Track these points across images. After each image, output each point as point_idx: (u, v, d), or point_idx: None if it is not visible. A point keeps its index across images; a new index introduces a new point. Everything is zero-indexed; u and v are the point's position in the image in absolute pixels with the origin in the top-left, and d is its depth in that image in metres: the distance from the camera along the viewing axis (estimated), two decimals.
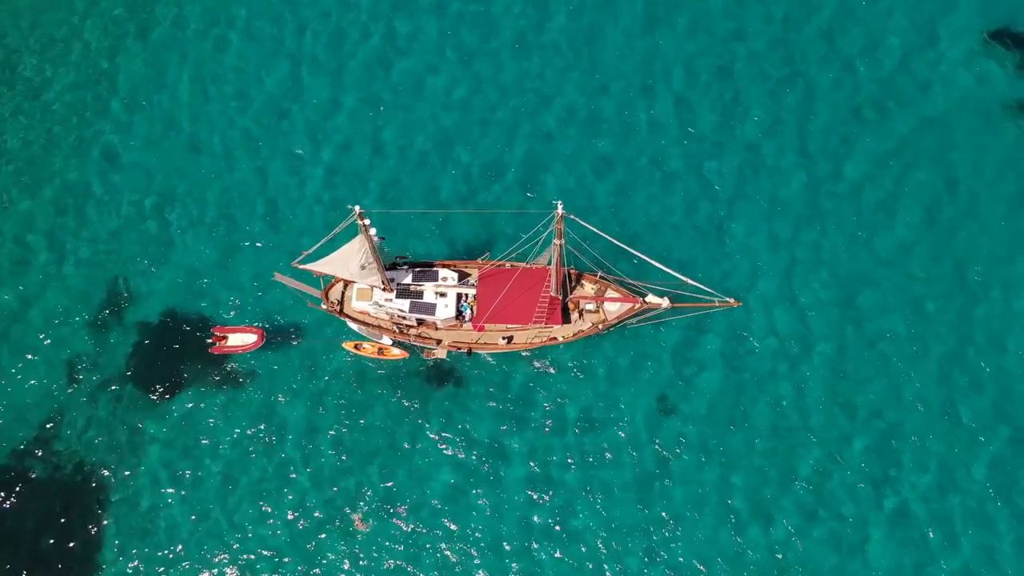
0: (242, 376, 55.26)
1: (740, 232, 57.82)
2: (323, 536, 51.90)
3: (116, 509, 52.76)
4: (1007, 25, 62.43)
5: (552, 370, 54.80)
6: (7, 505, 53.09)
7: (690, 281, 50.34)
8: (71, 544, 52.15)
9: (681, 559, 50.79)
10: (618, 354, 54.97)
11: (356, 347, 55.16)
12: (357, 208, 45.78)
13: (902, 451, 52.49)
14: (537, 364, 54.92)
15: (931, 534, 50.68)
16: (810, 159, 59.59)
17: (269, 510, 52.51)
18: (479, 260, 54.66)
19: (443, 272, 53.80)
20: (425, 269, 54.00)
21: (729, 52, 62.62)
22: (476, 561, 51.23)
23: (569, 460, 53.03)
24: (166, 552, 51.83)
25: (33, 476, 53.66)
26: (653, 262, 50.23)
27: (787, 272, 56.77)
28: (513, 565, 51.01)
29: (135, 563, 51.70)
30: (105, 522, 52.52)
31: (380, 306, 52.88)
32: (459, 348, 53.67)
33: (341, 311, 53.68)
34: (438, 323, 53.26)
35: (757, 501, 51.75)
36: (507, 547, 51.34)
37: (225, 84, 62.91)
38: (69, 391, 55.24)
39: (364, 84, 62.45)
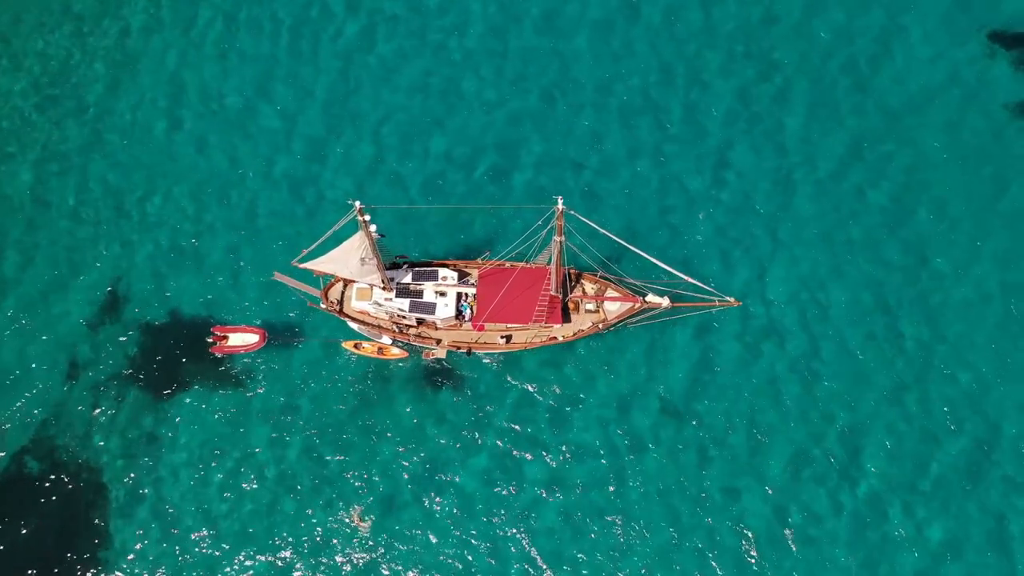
0: (242, 376, 55.25)
1: (740, 232, 57.84)
2: (323, 535, 51.73)
3: (116, 510, 52.61)
4: (1007, 24, 62.81)
5: (553, 370, 54.72)
6: (7, 506, 52.97)
7: (690, 280, 50.34)
8: (71, 544, 51.99)
9: (682, 559, 50.63)
10: (618, 354, 54.90)
11: (356, 346, 55.17)
12: (357, 203, 45.78)
13: (904, 450, 52.37)
14: (538, 364, 54.86)
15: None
16: (811, 159, 59.74)
17: (269, 510, 52.39)
18: (479, 259, 54.72)
19: (443, 271, 53.84)
20: (425, 268, 54.06)
21: (734, 50, 62.85)
22: (476, 561, 51.02)
23: (569, 460, 52.92)
24: (166, 552, 51.66)
25: (33, 477, 53.56)
26: (653, 259, 50.15)
27: (788, 272, 56.75)
28: (514, 566, 50.81)
29: (135, 563, 51.55)
30: (106, 523, 52.37)
31: (380, 306, 52.91)
32: (459, 348, 53.65)
33: (341, 311, 53.72)
34: (438, 323, 53.26)
35: (755, 501, 51.68)
36: (508, 547, 51.16)
37: (225, 80, 63.16)
38: (69, 392, 55.23)
39: (366, 82, 62.76)
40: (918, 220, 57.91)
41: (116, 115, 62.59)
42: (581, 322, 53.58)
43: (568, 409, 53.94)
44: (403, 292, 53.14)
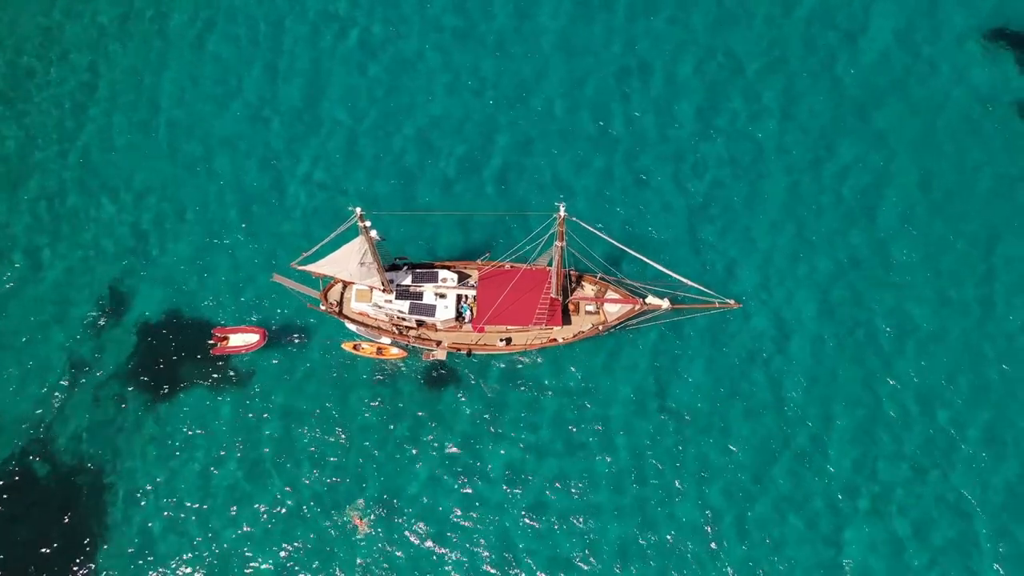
0: (242, 377, 55.26)
1: (741, 233, 57.80)
2: (322, 535, 51.89)
3: (116, 510, 52.69)
4: (1006, 24, 62.59)
5: (553, 371, 54.78)
6: (7, 506, 53.06)
7: (690, 283, 50.34)
8: (71, 544, 52.09)
9: (683, 559, 50.94)
10: (618, 354, 54.97)
11: (355, 347, 55.17)
12: (358, 210, 45.77)
13: (905, 450, 52.62)
14: (538, 366, 54.92)
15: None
16: (813, 160, 59.64)
17: (269, 510, 52.54)
18: (479, 261, 54.64)
19: (443, 273, 53.74)
20: (425, 270, 53.96)
21: (735, 52, 62.60)
22: (477, 561, 51.24)
23: (569, 461, 53.06)
24: (166, 552, 51.81)
25: (33, 477, 53.61)
26: (653, 263, 50.20)
27: (788, 273, 56.75)
28: (514, 566, 51.06)
29: (135, 563, 51.68)
30: (106, 523, 52.46)
31: (379, 307, 52.84)
32: (459, 349, 53.64)
33: (340, 312, 53.66)
34: (438, 324, 53.22)
35: (756, 500, 51.95)
36: (508, 547, 51.39)
37: (230, 84, 62.96)
38: (70, 392, 55.21)
39: (368, 87, 62.52)
40: (925, 222, 57.93)
41: (116, 115, 62.25)
42: (581, 324, 53.59)
43: (568, 410, 54.02)
44: (403, 294, 53.06)
